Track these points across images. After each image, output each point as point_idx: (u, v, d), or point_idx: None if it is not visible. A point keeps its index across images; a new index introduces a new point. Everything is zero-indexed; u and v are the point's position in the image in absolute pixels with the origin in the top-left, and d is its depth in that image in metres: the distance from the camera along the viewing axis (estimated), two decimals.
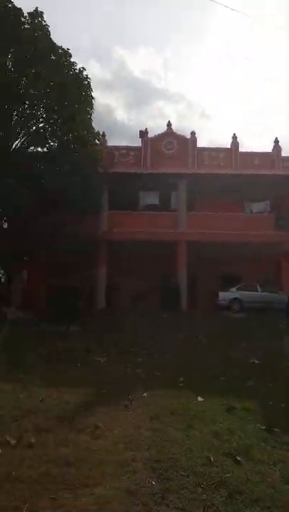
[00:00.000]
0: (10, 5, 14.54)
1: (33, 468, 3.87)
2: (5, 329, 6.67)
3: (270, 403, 6.07)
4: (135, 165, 20.89)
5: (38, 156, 16.13)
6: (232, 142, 21.49)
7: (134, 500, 3.38)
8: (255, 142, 75.68)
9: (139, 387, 6.93)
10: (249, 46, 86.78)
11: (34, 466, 3.93)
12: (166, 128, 21.80)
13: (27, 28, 14.85)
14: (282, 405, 5.98)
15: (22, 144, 16.59)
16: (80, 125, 16.26)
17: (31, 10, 14.97)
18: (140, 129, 21.48)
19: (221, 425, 5.08)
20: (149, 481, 3.70)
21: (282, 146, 21.43)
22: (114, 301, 18.73)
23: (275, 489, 3.56)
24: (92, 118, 17.25)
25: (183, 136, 21.69)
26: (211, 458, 4.08)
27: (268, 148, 21.71)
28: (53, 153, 16.24)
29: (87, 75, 16.33)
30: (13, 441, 4.44)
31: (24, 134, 16.49)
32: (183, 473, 3.81)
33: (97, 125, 17.72)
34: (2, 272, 20.10)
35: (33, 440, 4.47)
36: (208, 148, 21.96)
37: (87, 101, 16.66)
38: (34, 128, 16.43)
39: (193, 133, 21.51)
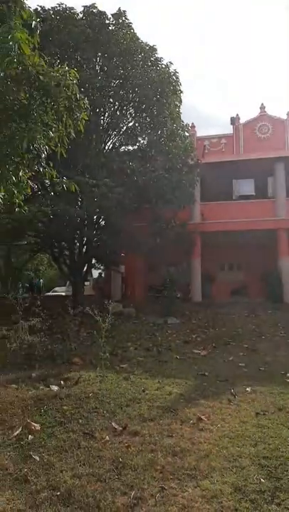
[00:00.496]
0: (95, 10, 15.15)
1: (139, 456, 3.96)
2: (108, 322, 7.00)
3: None
4: (227, 153, 20.28)
5: (130, 154, 16.57)
6: None
7: (243, 497, 3.27)
8: None
9: (242, 381, 6.69)
10: None
11: (140, 453, 4.02)
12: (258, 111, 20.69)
13: (112, 30, 15.29)
14: None
15: (114, 144, 17.23)
16: (169, 120, 16.30)
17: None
18: (231, 116, 20.77)
19: None
20: (257, 478, 3.54)
21: None
22: (211, 293, 18.50)
23: None
24: (180, 111, 17.20)
25: (278, 117, 20.35)
26: None
27: None
28: (143, 149, 16.56)
29: (175, 70, 16.30)
30: (119, 428, 4.61)
31: (115, 135, 17.10)
32: None
33: (185, 118, 17.60)
34: (102, 267, 21.18)
35: (138, 428, 4.59)
36: None
37: (176, 95, 16.63)
38: (124, 128, 16.94)
39: None
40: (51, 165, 7.40)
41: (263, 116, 20.50)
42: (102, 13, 15.20)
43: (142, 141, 17.17)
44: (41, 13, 14.37)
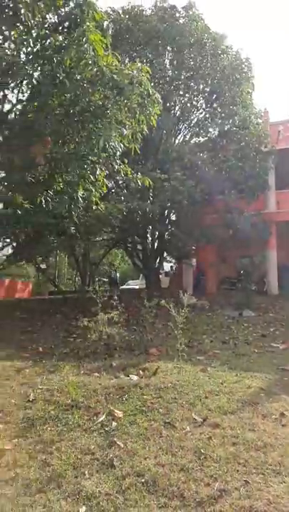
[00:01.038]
0: (165, 4, 15.21)
1: (221, 448, 3.96)
2: (183, 315, 7.05)
3: None
4: None
5: (200, 145, 16.37)
6: None
7: None
8: None
9: None
10: None
11: (222, 446, 4.01)
12: None
13: (183, 23, 15.18)
14: None
15: (184, 137, 17.15)
16: (241, 107, 15.82)
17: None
18: None
19: None
20: None
21: None
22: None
23: None
24: (252, 98, 16.61)
25: None
26: None
27: None
28: (214, 140, 16.27)
29: (247, 57, 15.80)
30: (199, 419, 4.64)
31: (186, 127, 17.00)
32: None
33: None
34: (174, 261, 21.28)
35: (218, 420, 4.59)
36: None
37: (248, 82, 16.09)
38: (195, 120, 16.76)
39: None
40: (126, 162, 7.64)
41: None
42: (173, 7, 15.29)
43: (212, 132, 16.89)
44: (111, 14, 14.76)
